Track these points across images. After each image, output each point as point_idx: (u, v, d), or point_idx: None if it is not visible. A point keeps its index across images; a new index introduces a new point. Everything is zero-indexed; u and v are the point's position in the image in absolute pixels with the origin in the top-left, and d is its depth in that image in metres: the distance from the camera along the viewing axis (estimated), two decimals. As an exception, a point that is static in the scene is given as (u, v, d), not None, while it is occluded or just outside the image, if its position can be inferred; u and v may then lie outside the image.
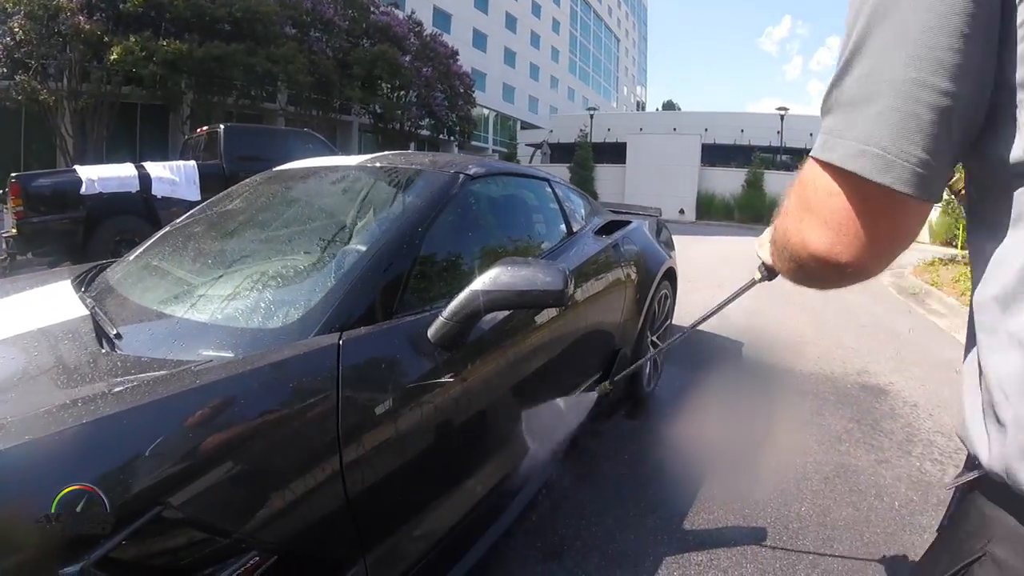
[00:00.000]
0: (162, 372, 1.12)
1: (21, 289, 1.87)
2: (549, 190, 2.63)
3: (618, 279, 2.67)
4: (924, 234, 20.02)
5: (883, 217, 0.54)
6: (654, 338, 3.31)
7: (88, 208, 6.42)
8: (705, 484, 2.46)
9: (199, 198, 7.15)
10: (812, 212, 0.58)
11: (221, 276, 1.62)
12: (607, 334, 2.60)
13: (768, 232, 0.94)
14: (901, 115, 0.49)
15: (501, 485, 1.77)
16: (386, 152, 2.32)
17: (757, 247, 1.06)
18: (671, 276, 3.52)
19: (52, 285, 1.87)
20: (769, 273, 1.15)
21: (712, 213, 23.08)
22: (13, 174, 6.34)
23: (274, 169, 2.47)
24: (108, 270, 2.00)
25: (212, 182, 7.36)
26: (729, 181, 23.87)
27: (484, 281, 1.32)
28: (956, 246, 13.52)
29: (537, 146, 33.88)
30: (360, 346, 1.26)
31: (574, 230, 2.60)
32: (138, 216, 6.85)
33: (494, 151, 38.98)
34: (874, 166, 0.50)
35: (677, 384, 3.62)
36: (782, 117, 27.69)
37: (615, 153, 26.67)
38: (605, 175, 24.74)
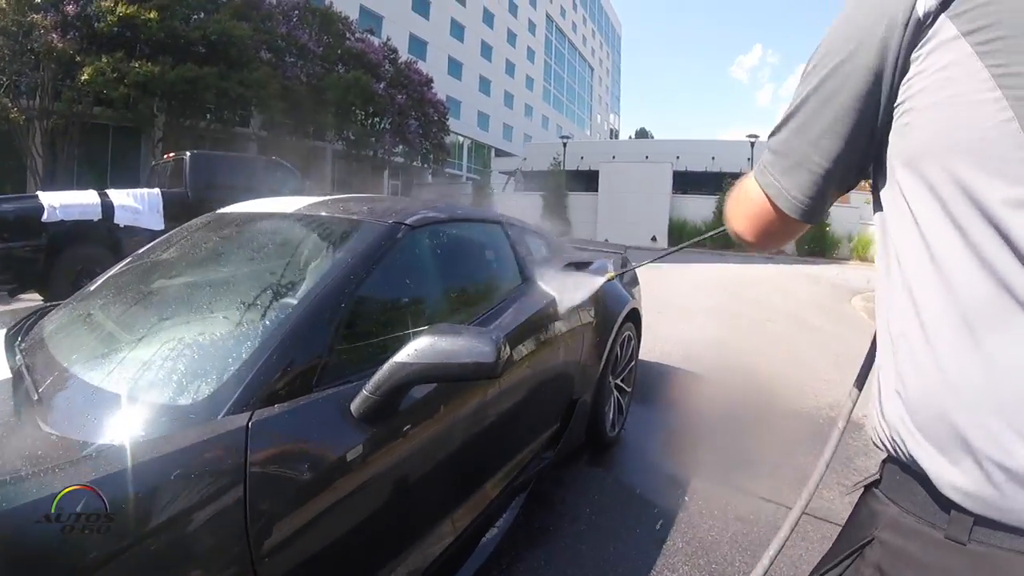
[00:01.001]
0: (61, 459, 0.99)
1: None
2: (502, 234, 2.51)
3: (575, 324, 2.56)
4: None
5: (776, 223, 0.81)
6: (617, 381, 3.20)
7: (50, 236, 6.16)
8: (670, 537, 2.35)
9: (163, 227, 6.94)
10: (740, 205, 0.87)
11: (142, 338, 1.47)
12: (564, 381, 2.48)
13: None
14: (797, 173, 0.75)
15: (445, 554, 1.63)
16: (326, 197, 2.20)
17: None
18: (635, 317, 3.43)
19: None
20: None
21: (684, 239, 23.19)
22: None
23: (216, 212, 2.34)
24: (47, 318, 1.86)
25: (176, 210, 7.17)
26: (700, 208, 24.17)
27: (408, 352, 1.20)
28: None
29: (511, 174, 34.03)
30: (272, 426, 1.14)
31: (528, 276, 2.48)
32: (101, 245, 6.63)
33: (468, 178, 39.07)
34: (777, 196, 0.78)
35: (644, 425, 3.52)
36: (752, 144, 28.12)
37: (588, 181, 26.89)
38: (578, 203, 24.90)
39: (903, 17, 0.62)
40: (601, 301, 2.88)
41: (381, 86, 21.58)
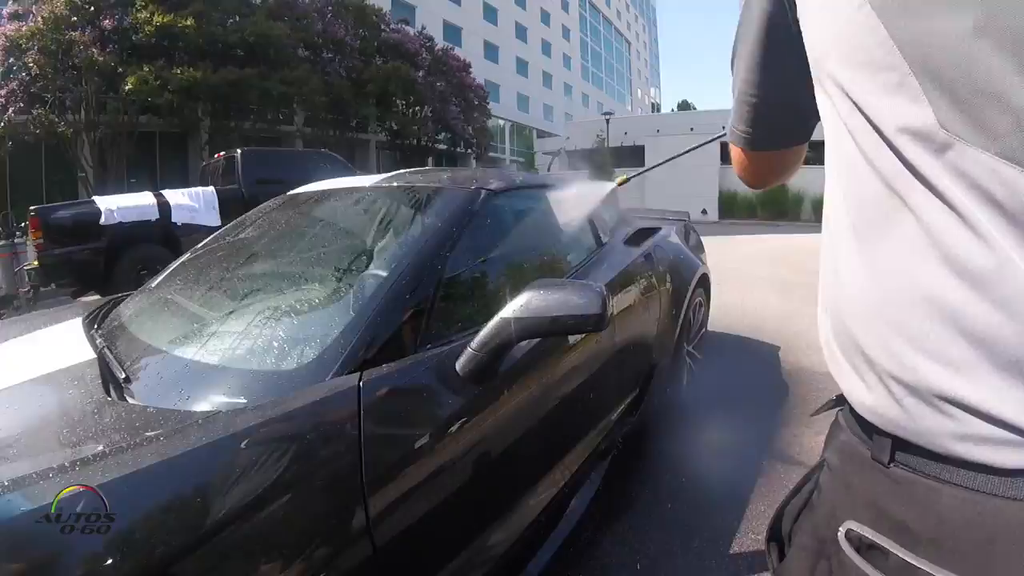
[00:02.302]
0: (167, 427, 1.02)
1: (32, 329, 1.80)
2: None
3: (652, 290, 2.52)
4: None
5: (744, 160, 0.86)
6: (690, 348, 3.15)
7: (108, 238, 6.46)
8: (751, 499, 2.31)
9: (219, 223, 7.13)
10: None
11: (232, 312, 1.51)
12: (643, 348, 2.45)
13: None
14: (738, 109, 0.80)
15: (538, 520, 1.63)
16: (402, 171, 2.21)
17: None
18: (705, 283, 3.37)
19: (63, 324, 1.81)
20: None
21: (735, 211, 22.78)
22: (32, 207, 6.41)
23: (288, 193, 2.37)
24: (121, 305, 1.92)
25: (232, 207, 7.35)
26: (751, 178, 23.59)
27: (514, 308, 1.19)
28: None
29: (554, 153, 33.78)
30: (382, 385, 1.15)
31: (603, 241, 2.46)
32: (159, 244, 6.89)
33: (512, 160, 38.97)
34: (730, 135, 0.84)
35: (708, 392, 3.45)
36: (801, 109, 27.28)
37: (633, 156, 26.48)
38: (624, 179, 24.55)
39: None
40: (675, 268, 2.83)
41: (420, 74, 21.65)
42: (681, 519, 2.22)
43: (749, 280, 7.46)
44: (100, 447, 0.98)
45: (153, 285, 2.01)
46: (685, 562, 1.99)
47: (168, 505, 0.89)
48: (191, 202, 7.22)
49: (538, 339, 1.43)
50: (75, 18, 14.14)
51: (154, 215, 6.81)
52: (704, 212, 22.10)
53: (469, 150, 26.68)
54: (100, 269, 6.43)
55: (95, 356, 1.41)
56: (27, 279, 6.48)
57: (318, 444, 1.03)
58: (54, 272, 6.30)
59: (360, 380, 1.11)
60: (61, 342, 1.61)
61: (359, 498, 1.02)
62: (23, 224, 7.16)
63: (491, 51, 38.18)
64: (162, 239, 6.92)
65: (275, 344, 1.27)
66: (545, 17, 46.23)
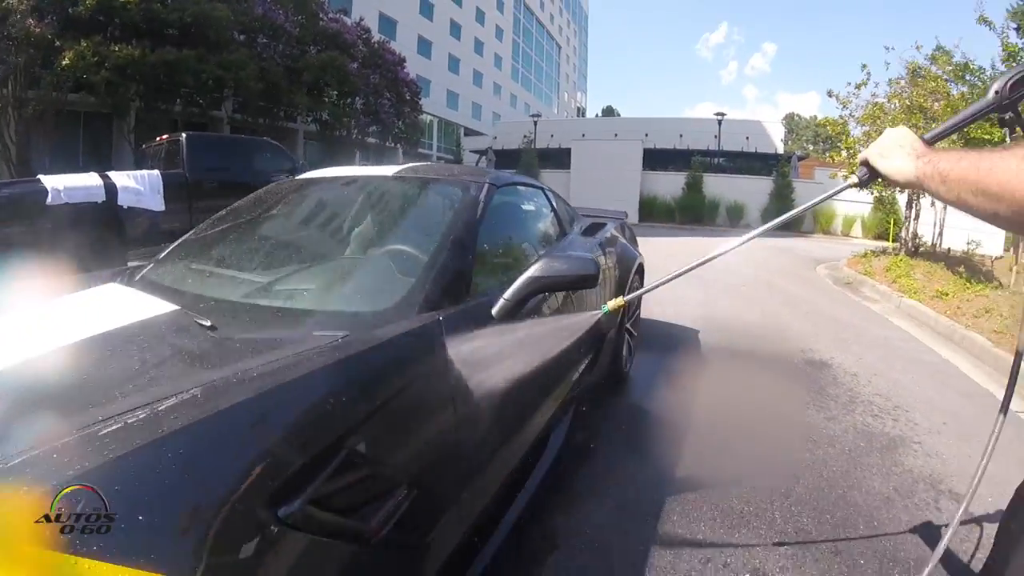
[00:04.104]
0: (302, 348, 1.27)
1: (58, 294, 1.82)
2: (544, 197, 3.00)
3: (605, 273, 3.06)
4: (857, 229, 21.51)
5: None
6: (628, 326, 3.71)
7: (54, 219, 6.21)
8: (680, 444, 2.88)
9: (163, 208, 7.21)
10: None
11: (296, 272, 1.87)
12: (596, 322, 2.98)
13: (908, 154, 1.04)
14: None
15: (533, 445, 2.09)
16: (413, 164, 2.63)
17: (873, 156, 1.14)
18: (641, 271, 3.95)
19: (96, 288, 1.87)
20: (864, 182, 1.22)
21: (655, 215, 23.99)
22: None
23: (303, 176, 2.72)
24: (149, 273, 2.04)
25: (174, 192, 7.40)
26: (670, 184, 24.89)
27: (539, 268, 1.65)
28: (887, 239, 14.53)
29: (482, 152, 34.25)
30: (453, 322, 1.55)
31: (566, 231, 2.98)
32: (104, 226, 6.72)
33: (438, 158, 39.09)
34: None
35: (648, 367, 4.05)
36: (719, 122, 28.93)
37: (559, 159, 27.32)
38: (550, 180, 24.98)
39: None
40: (620, 256, 3.38)
41: (355, 66, 21.58)
42: (634, 442, 2.84)
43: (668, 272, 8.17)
44: (237, 370, 1.14)
45: (180, 255, 2.18)
46: (635, 462, 2.59)
47: (310, 409, 1.08)
48: (137, 185, 7.09)
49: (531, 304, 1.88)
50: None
51: (101, 196, 6.62)
52: (625, 215, 23.04)
53: (397, 144, 26.67)
54: (44, 252, 6.03)
55: (178, 308, 1.56)
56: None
57: (424, 356, 1.41)
58: None
59: (440, 316, 1.54)
60: (118, 300, 1.73)
61: (451, 398, 1.41)
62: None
63: (424, 46, 38.24)
64: (108, 221, 6.74)
65: (361, 293, 1.68)
66: (480, 16, 46.69)
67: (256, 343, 1.39)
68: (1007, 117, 1.05)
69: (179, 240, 2.37)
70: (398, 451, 1.22)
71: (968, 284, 7.13)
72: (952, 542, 1.92)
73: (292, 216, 2.40)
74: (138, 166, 8.65)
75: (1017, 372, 1.25)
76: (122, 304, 1.65)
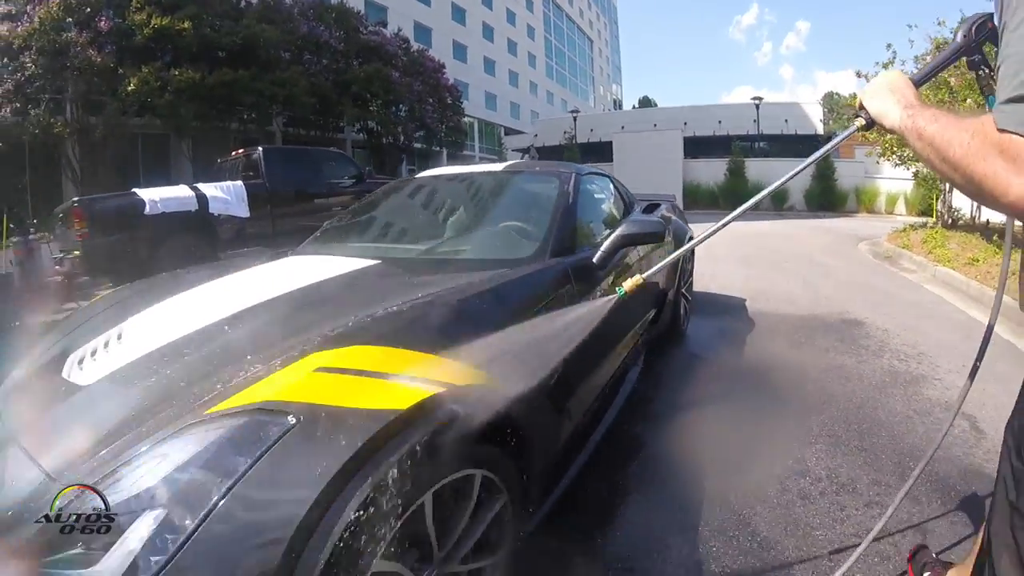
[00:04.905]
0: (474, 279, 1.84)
1: (241, 268, 2.43)
2: (611, 182, 3.65)
3: (666, 243, 3.67)
4: (901, 206, 21.31)
5: None
6: (683, 291, 4.32)
7: (152, 228, 6.94)
8: (733, 380, 3.48)
9: (248, 215, 8.05)
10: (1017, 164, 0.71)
11: (448, 240, 2.59)
12: (659, 283, 3.60)
13: (897, 101, 1.03)
14: None
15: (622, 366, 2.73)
16: (513, 162, 3.32)
17: (865, 95, 1.13)
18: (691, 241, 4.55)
19: (277, 262, 2.51)
20: (869, 123, 1.16)
21: (699, 202, 24.19)
22: (75, 198, 6.98)
23: (422, 174, 3.45)
24: (317, 245, 2.89)
25: (256, 200, 8.20)
26: (711, 171, 25.06)
27: (625, 228, 2.28)
28: (930, 215, 14.54)
29: (525, 151, 34.85)
30: (568, 263, 2.19)
31: (631, 209, 3.62)
32: (198, 233, 7.50)
33: (481, 158, 39.84)
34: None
35: (702, 328, 4.64)
36: (757, 106, 28.90)
37: (600, 152, 27.64)
38: (594, 173, 25.70)
39: None
40: (677, 229, 4.02)
41: (397, 75, 22.44)
42: (693, 379, 3.43)
43: (718, 256, 8.71)
44: (460, 285, 1.74)
45: (345, 235, 3.00)
46: (697, 390, 3.20)
47: (518, 299, 1.82)
48: (224, 195, 7.90)
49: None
50: (70, 19, 14.32)
51: (193, 206, 7.41)
52: (673, 197, 23.34)
53: (441, 148, 27.47)
54: (145, 256, 6.78)
55: (379, 261, 2.24)
56: (59, 268, 6.95)
57: (562, 282, 2.06)
58: (99, 261, 6.68)
59: (562, 260, 2.19)
60: (312, 265, 2.32)
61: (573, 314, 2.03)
62: (62, 216, 7.41)
63: (459, 51, 39.06)
64: (201, 228, 7.53)
65: (508, 248, 2.36)
66: (511, 17, 47.39)
67: (456, 276, 1.94)
68: (975, 59, 1.09)
69: (323, 226, 3.18)
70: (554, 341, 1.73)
71: (999, 251, 7.40)
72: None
73: (422, 204, 3.10)
74: (216, 178, 9.35)
75: (986, 345, 1.54)
76: (319, 266, 2.25)
